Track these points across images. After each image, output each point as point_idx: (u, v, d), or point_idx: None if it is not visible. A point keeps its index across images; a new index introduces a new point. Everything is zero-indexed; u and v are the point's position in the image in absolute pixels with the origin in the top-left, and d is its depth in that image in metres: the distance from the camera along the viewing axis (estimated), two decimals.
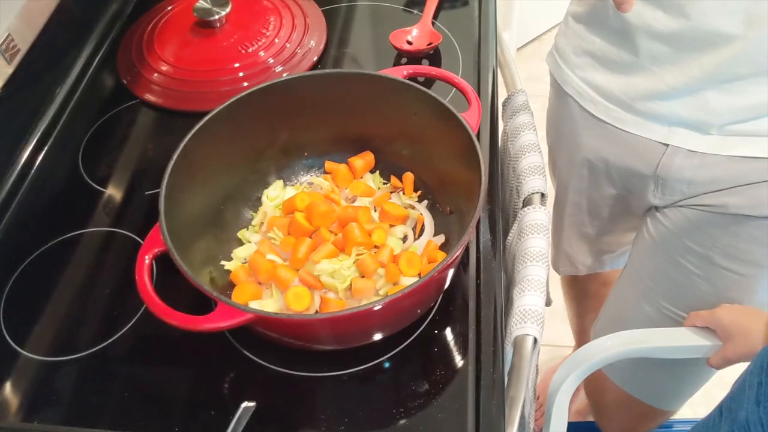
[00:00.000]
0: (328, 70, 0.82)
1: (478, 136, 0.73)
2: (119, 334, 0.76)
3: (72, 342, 0.76)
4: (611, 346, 0.88)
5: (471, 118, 0.75)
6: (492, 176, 0.86)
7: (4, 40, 0.87)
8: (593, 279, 1.39)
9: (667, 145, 0.86)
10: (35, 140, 0.95)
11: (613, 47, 0.87)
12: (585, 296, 1.47)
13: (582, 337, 1.61)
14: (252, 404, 0.60)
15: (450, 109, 0.73)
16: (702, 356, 0.89)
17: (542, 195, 0.93)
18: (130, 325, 0.76)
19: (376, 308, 0.61)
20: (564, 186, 1.12)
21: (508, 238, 0.94)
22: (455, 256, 0.63)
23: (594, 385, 1.22)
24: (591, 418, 1.37)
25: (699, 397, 1.67)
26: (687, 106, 0.81)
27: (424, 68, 0.82)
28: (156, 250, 0.66)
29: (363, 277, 0.75)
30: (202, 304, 0.73)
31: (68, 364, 0.74)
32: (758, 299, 0.93)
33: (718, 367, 0.86)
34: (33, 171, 0.93)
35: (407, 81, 0.77)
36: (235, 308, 0.60)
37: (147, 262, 0.64)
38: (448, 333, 0.74)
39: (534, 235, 0.87)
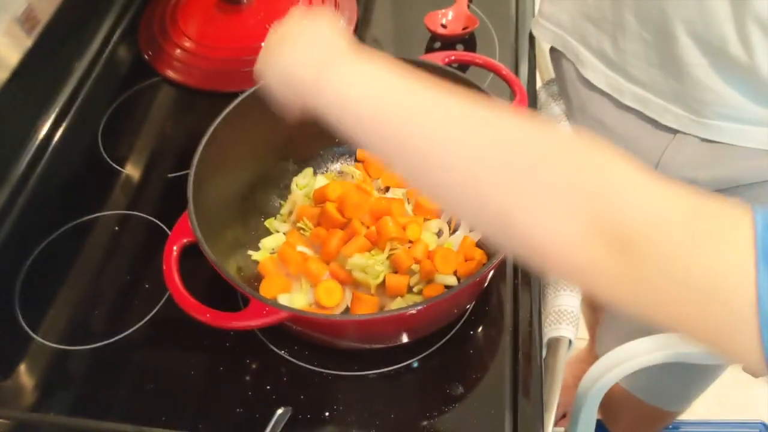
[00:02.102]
0: None
1: None
2: (139, 324, 0.73)
3: (89, 330, 0.73)
4: (644, 351, 0.85)
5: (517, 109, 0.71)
6: None
7: (24, 11, 0.83)
8: None
9: (674, 134, 0.81)
10: (53, 116, 0.92)
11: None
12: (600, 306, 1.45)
13: (595, 331, 1.59)
14: (288, 409, 0.57)
15: (494, 99, 0.69)
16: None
17: None
18: (150, 315, 0.73)
19: (413, 311, 0.58)
20: None
21: None
22: (501, 259, 0.60)
23: None
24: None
25: (713, 393, 1.66)
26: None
27: (469, 55, 0.78)
28: (184, 241, 0.63)
29: (396, 273, 0.72)
30: (223, 293, 0.70)
31: (83, 353, 0.71)
32: None
33: (756, 375, 0.83)
34: (50, 149, 0.90)
35: (449, 68, 0.74)
36: (268, 305, 0.57)
37: (175, 254, 0.61)
38: (484, 334, 0.72)
39: None
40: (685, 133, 0.79)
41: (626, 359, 0.85)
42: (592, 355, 1.63)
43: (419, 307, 0.57)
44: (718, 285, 0.32)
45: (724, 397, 1.65)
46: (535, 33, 0.95)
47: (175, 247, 0.62)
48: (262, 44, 0.95)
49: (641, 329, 1.01)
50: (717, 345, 0.33)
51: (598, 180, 0.36)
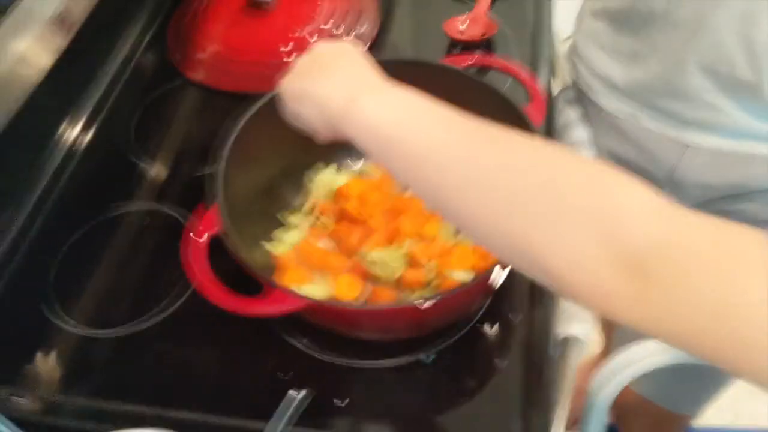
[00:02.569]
0: (386, 58, 0.81)
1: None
2: (164, 315, 0.75)
3: (115, 318, 0.75)
4: (653, 352, 0.86)
5: (534, 113, 0.73)
6: None
7: (59, 14, 0.86)
8: None
9: (687, 146, 0.82)
10: (86, 116, 0.95)
11: (630, 38, 0.83)
12: None
13: (608, 331, 1.59)
14: (310, 391, 0.59)
15: (513, 103, 0.72)
16: None
17: None
18: (174, 308, 0.76)
19: (428, 304, 0.60)
20: None
21: None
22: None
23: None
24: None
25: (726, 401, 1.65)
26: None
27: (488, 59, 0.80)
28: (210, 232, 0.65)
29: (413, 269, 0.74)
30: (240, 289, 0.72)
31: (109, 340, 0.74)
32: None
33: None
34: (82, 147, 0.93)
35: (470, 72, 0.76)
36: (289, 294, 0.59)
37: (202, 244, 0.64)
38: (498, 331, 0.73)
39: None
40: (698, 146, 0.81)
41: (637, 360, 0.86)
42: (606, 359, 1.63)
43: (435, 299, 0.59)
44: (734, 308, 0.32)
45: (738, 406, 1.64)
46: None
47: (202, 237, 0.64)
48: (286, 48, 0.99)
49: None
50: (734, 366, 0.33)
51: (611, 204, 0.36)
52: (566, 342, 0.77)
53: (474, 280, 0.61)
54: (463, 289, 0.60)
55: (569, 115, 0.99)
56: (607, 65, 0.86)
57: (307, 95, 0.52)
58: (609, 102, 0.88)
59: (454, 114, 0.45)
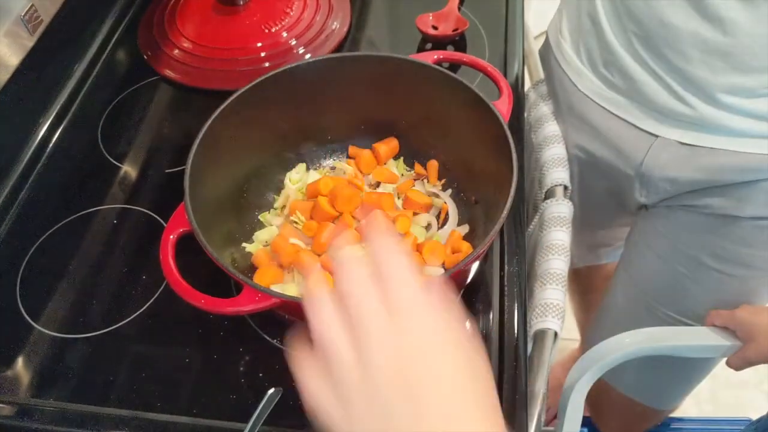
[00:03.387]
0: (356, 53, 0.81)
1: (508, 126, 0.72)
2: (136, 313, 0.75)
3: (88, 319, 0.75)
4: (628, 344, 0.87)
5: (502, 107, 0.74)
6: (520, 167, 0.85)
7: (27, 11, 0.86)
8: (596, 273, 1.38)
9: (656, 137, 0.84)
10: (54, 114, 0.94)
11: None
12: (589, 290, 1.47)
13: (587, 330, 1.61)
14: (278, 389, 0.59)
15: (482, 97, 0.72)
16: (720, 356, 0.89)
17: (565, 187, 0.92)
18: (147, 305, 0.76)
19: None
20: None
21: (528, 229, 0.93)
22: (483, 249, 0.62)
23: (592, 389, 1.22)
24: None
25: (706, 393, 1.68)
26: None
27: (456, 54, 0.81)
28: (180, 230, 0.65)
29: None
30: (217, 286, 0.72)
31: (82, 341, 0.73)
32: (757, 302, 0.91)
33: (737, 369, 0.85)
34: (51, 146, 0.92)
35: (438, 67, 0.76)
36: (260, 292, 0.59)
37: (171, 242, 0.63)
38: (470, 326, 0.73)
39: (556, 228, 0.87)
40: (665, 138, 0.82)
41: (611, 352, 0.87)
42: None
43: None
44: None
45: (718, 398, 1.67)
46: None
47: (171, 236, 0.64)
48: (258, 44, 0.98)
49: (629, 326, 1.03)
50: None
51: None
52: (539, 336, 0.78)
53: (444, 274, 0.62)
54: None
55: (542, 109, 1.00)
56: (588, 46, 0.87)
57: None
58: (584, 83, 0.89)
59: None
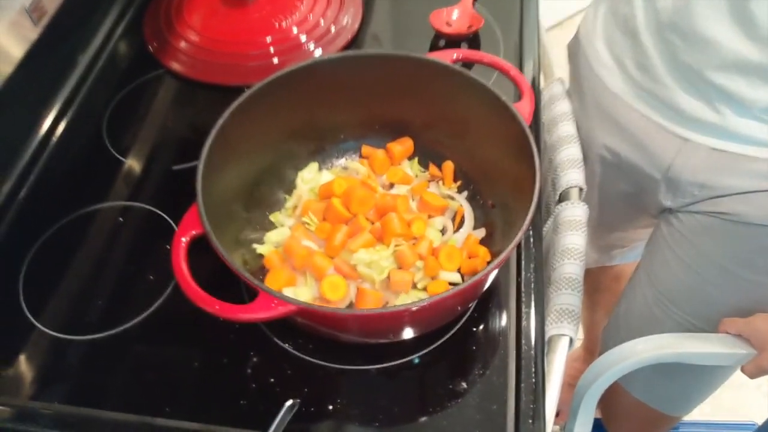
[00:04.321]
0: (372, 51, 0.79)
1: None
2: (143, 315, 0.73)
3: (93, 320, 0.73)
4: (642, 350, 0.85)
5: (523, 109, 0.72)
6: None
7: (33, 1, 0.83)
8: (605, 273, 1.37)
9: (686, 140, 0.82)
10: (58, 107, 0.92)
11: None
12: (596, 290, 1.45)
13: (591, 330, 1.60)
14: (296, 401, 0.57)
15: (503, 100, 0.70)
16: (734, 364, 0.87)
17: (580, 189, 0.90)
18: (154, 306, 0.74)
19: (417, 308, 0.58)
20: None
21: (542, 231, 0.91)
22: (504, 258, 0.61)
23: (605, 392, 1.21)
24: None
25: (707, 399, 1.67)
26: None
27: (477, 54, 0.79)
28: (193, 233, 0.63)
29: (401, 269, 0.72)
30: (225, 289, 0.69)
31: (87, 343, 0.71)
32: None
33: (752, 377, 0.84)
34: (54, 140, 0.90)
35: (458, 67, 0.74)
36: (276, 298, 0.57)
37: (183, 245, 0.61)
38: (487, 331, 0.72)
39: (572, 231, 0.85)
40: (697, 142, 0.81)
41: (624, 358, 0.86)
42: (586, 354, 1.64)
43: (423, 304, 0.58)
44: None
45: (717, 399, 1.67)
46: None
47: (183, 239, 0.62)
48: (267, 39, 0.96)
49: (646, 330, 1.02)
50: None
51: None
52: (554, 341, 0.76)
53: (466, 283, 0.60)
54: (455, 292, 0.59)
55: (557, 108, 0.98)
56: (622, 47, 0.86)
57: None
58: (615, 82, 0.87)
59: None
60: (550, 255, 0.87)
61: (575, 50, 0.98)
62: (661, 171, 0.87)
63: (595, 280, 1.42)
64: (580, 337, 1.64)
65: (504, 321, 0.73)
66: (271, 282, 0.70)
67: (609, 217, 1.12)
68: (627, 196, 1.01)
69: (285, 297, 0.57)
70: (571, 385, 0.91)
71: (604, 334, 1.16)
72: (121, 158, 0.88)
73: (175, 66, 0.97)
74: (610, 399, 1.16)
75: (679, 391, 1.07)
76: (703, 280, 0.90)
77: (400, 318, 0.61)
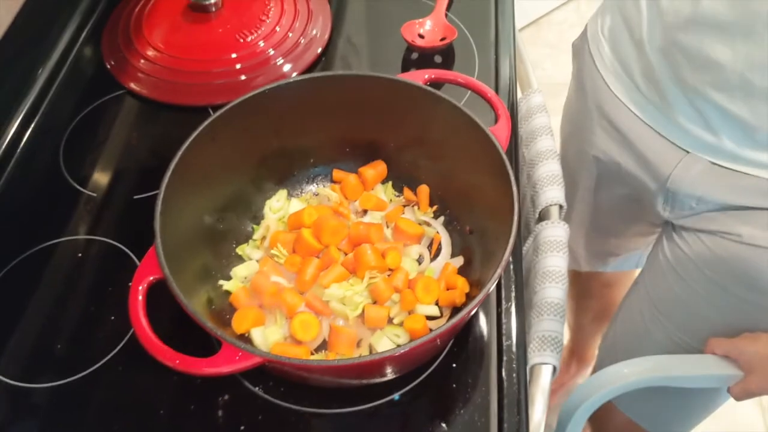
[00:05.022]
0: (340, 72, 0.75)
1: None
2: (104, 359, 0.69)
3: (51, 366, 0.69)
4: (629, 374, 0.83)
5: (500, 133, 0.69)
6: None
7: None
8: (595, 279, 1.35)
9: (687, 152, 0.80)
10: (11, 133, 0.87)
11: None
12: (585, 295, 1.43)
13: (577, 334, 1.58)
14: None
15: (479, 123, 0.67)
16: (721, 386, 0.85)
17: (560, 207, 0.88)
18: (116, 350, 0.69)
19: (393, 354, 0.55)
20: (573, 181, 1.06)
21: (522, 253, 0.88)
22: (483, 295, 0.57)
23: (598, 409, 1.19)
24: None
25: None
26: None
27: (450, 74, 0.75)
28: (151, 279, 0.59)
29: (376, 303, 0.69)
30: (195, 332, 0.66)
31: (43, 391, 0.67)
32: None
33: (739, 399, 0.82)
34: (8, 168, 0.85)
35: (430, 89, 0.71)
36: (241, 350, 0.54)
37: (141, 298, 0.57)
38: (467, 365, 0.69)
39: (552, 253, 0.82)
40: (696, 154, 0.78)
41: (610, 383, 0.84)
42: (570, 356, 1.62)
43: (401, 351, 0.54)
44: None
45: (721, 415, 1.65)
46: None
47: (141, 287, 0.58)
48: (233, 55, 0.92)
49: (641, 347, 0.99)
50: None
51: None
52: (537, 370, 0.74)
53: (446, 325, 0.57)
54: (435, 335, 0.55)
55: (536, 122, 0.95)
56: (628, 54, 0.83)
57: None
58: (619, 87, 0.85)
59: None
60: (531, 276, 0.84)
61: (580, 49, 0.95)
62: (660, 181, 0.85)
63: (584, 285, 1.40)
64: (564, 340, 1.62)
65: (484, 353, 0.69)
66: (238, 322, 0.67)
67: (604, 222, 1.10)
68: (623, 202, 0.98)
69: (249, 348, 0.54)
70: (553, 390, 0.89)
71: (601, 350, 1.15)
72: (79, 188, 0.83)
73: (135, 86, 0.92)
74: (602, 417, 1.14)
75: (673, 412, 1.05)
76: (701, 299, 0.88)
77: (375, 365, 0.58)
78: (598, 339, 1.51)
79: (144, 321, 0.56)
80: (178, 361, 0.54)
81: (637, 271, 1.08)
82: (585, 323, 1.53)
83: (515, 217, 0.61)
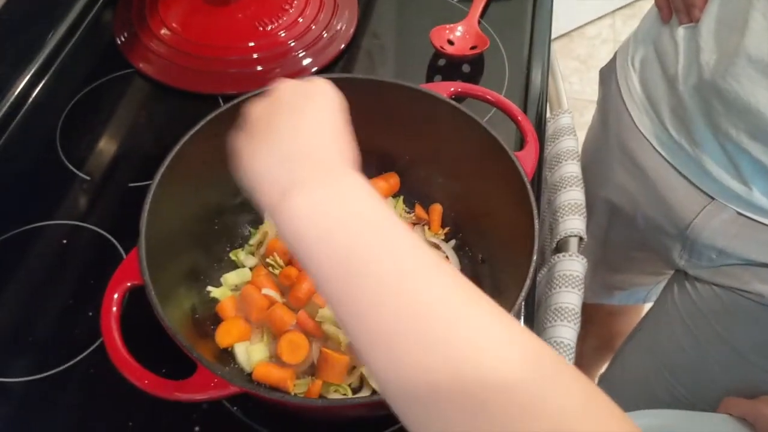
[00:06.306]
0: (357, 76, 0.70)
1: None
2: (76, 358, 0.64)
3: (20, 360, 0.64)
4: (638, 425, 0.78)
5: (526, 160, 0.63)
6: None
7: None
8: (600, 307, 1.30)
9: (712, 199, 0.74)
10: (7, 105, 0.82)
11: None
12: (589, 322, 1.37)
13: (577, 362, 1.52)
14: None
15: (504, 147, 0.61)
16: None
17: (580, 239, 0.82)
18: (90, 350, 0.65)
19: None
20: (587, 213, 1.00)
21: (535, 282, 0.83)
22: None
23: None
24: None
25: None
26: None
27: (479, 90, 0.69)
28: (128, 284, 0.54)
29: None
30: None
31: (7, 387, 0.63)
32: None
33: None
34: (2, 140, 0.80)
35: (455, 103, 0.65)
36: (217, 377, 0.49)
37: (116, 302, 0.52)
38: None
39: (568, 288, 0.76)
40: (723, 203, 0.72)
41: None
42: None
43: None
44: None
45: None
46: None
47: (116, 295, 0.53)
48: (251, 43, 0.86)
49: (641, 398, 0.94)
50: None
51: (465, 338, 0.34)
52: None
53: None
54: None
55: (562, 145, 0.89)
56: (659, 89, 0.77)
57: (244, 169, 0.43)
58: (645, 123, 0.79)
59: (391, 234, 0.37)
60: (542, 310, 0.78)
61: (608, 77, 0.89)
62: (680, 228, 0.78)
63: (590, 312, 1.35)
64: None
65: None
66: (222, 335, 0.62)
67: (612, 258, 1.04)
68: (637, 243, 0.92)
69: (227, 376, 0.49)
70: None
71: (602, 389, 1.09)
72: (73, 169, 0.78)
73: (144, 66, 0.87)
74: None
75: None
76: (709, 358, 0.82)
77: (363, 408, 0.52)
78: (599, 370, 1.45)
79: (116, 333, 0.51)
80: (147, 382, 0.49)
81: (645, 306, 1.03)
82: (587, 352, 1.47)
83: (534, 257, 0.55)
